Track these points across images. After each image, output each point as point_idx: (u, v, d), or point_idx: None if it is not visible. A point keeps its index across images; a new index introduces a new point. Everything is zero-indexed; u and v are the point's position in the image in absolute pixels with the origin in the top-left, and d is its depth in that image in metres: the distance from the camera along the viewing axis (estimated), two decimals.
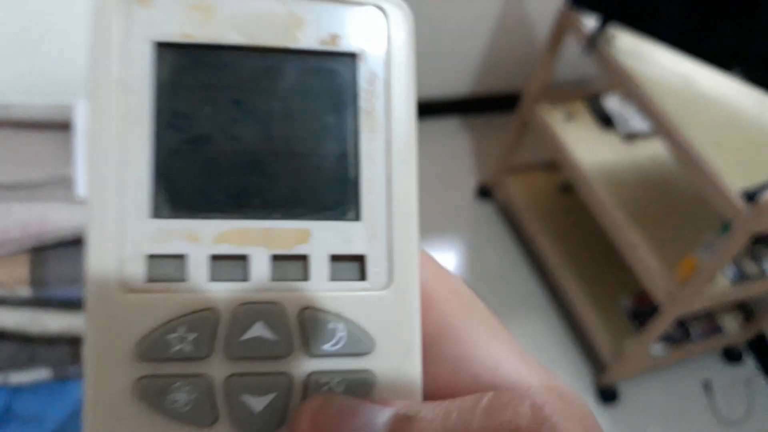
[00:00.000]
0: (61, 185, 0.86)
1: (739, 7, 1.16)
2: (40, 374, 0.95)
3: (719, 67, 1.23)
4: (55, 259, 0.86)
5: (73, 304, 0.90)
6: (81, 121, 0.87)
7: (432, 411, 0.16)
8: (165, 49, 0.18)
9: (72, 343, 0.94)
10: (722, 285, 1.35)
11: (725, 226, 1.15)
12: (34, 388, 0.95)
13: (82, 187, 0.85)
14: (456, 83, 2.06)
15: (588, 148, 1.55)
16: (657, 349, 1.52)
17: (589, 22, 1.35)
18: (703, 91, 1.32)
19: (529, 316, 1.69)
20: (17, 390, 0.95)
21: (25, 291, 0.85)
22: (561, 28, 1.44)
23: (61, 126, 0.88)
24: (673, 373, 1.66)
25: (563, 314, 1.69)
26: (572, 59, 1.71)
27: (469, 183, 1.95)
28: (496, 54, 2.05)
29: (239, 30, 0.18)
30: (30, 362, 0.93)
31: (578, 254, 1.66)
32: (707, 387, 1.66)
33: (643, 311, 1.52)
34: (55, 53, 0.87)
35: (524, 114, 1.64)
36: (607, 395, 1.56)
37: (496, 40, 2.00)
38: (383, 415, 0.17)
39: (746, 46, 1.19)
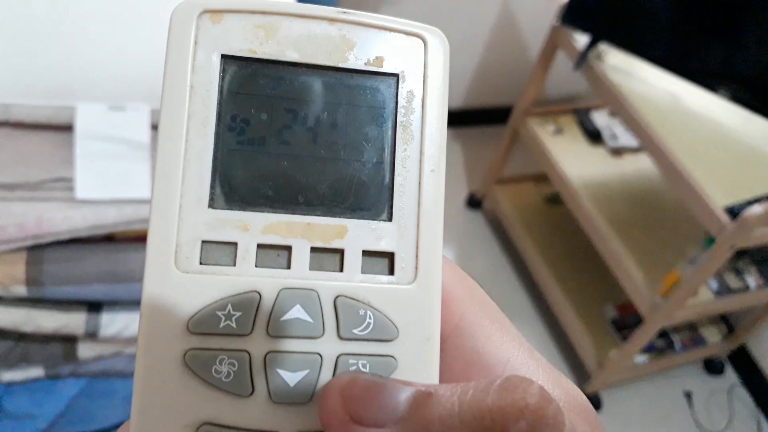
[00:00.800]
0: (60, 186, 0.87)
1: (724, 30, 1.19)
2: (32, 372, 0.95)
3: (705, 87, 1.26)
4: (52, 258, 0.87)
5: (67, 304, 0.91)
6: (81, 124, 0.88)
7: (449, 389, 0.18)
8: (230, 61, 0.21)
9: (65, 342, 0.95)
10: (705, 298, 1.37)
11: (709, 240, 1.17)
12: (26, 385, 0.96)
13: (80, 189, 0.86)
14: (449, 96, 2.09)
15: (576, 161, 1.57)
16: (640, 359, 1.55)
17: (581, 38, 1.38)
18: (691, 108, 1.35)
19: (515, 324, 1.67)
20: (9, 387, 0.95)
21: (20, 290, 0.86)
22: (553, 44, 1.47)
23: (62, 128, 0.89)
24: (656, 383, 1.69)
25: (548, 323, 1.71)
26: (562, 77, 1.74)
27: (459, 193, 1.97)
28: (489, 69, 2.08)
29: (296, 49, 0.21)
30: (23, 360, 0.94)
31: (564, 264, 1.68)
32: (689, 397, 1.68)
33: (627, 322, 1.54)
34: (58, 55, 0.88)
35: (515, 126, 1.66)
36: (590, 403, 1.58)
37: (488, 55, 2.03)
38: (405, 391, 0.18)
39: (731, 67, 1.22)
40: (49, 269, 0.86)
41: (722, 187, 1.17)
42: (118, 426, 0.19)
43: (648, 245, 1.41)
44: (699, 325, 1.67)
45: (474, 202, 1.93)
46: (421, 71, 0.22)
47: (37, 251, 0.86)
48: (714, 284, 1.39)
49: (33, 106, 0.87)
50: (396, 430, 0.18)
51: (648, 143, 1.27)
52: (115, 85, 0.90)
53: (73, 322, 0.91)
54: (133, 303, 0.93)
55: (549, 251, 1.70)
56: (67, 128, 0.89)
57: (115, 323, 0.92)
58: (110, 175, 0.88)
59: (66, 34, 0.89)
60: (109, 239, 0.92)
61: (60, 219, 0.85)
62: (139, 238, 0.92)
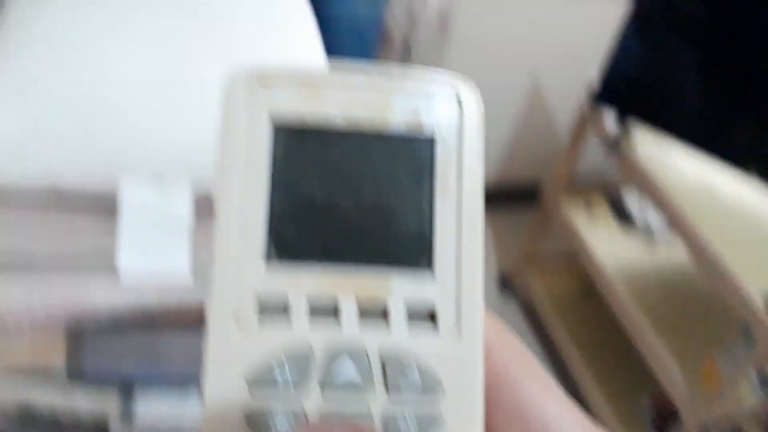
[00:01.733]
0: (103, 258, 0.88)
1: (755, 107, 1.20)
2: None
3: (735, 165, 1.26)
4: (92, 341, 0.88)
5: (106, 386, 0.91)
6: (125, 196, 0.90)
7: None
8: (280, 128, 0.22)
9: (99, 428, 0.94)
10: (745, 392, 1.32)
11: (747, 331, 1.15)
12: None
13: (123, 260, 0.88)
14: None
15: (609, 248, 1.57)
16: None
17: (610, 121, 1.40)
18: (723, 194, 1.35)
19: None
20: None
21: (58, 372, 0.86)
22: (582, 126, 1.49)
23: (106, 200, 0.91)
24: None
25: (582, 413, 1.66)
26: (593, 152, 1.75)
27: (490, 273, 1.96)
28: (518, 147, 2.10)
29: (341, 116, 0.23)
30: None
31: (599, 354, 1.64)
32: None
33: (664, 415, 1.49)
34: (103, 126, 0.89)
35: (546, 210, 1.67)
36: None
37: (517, 134, 2.06)
38: None
39: (762, 144, 1.22)
40: (89, 351, 0.87)
41: (759, 275, 1.15)
42: None
43: (685, 335, 1.38)
44: (742, 422, 1.60)
45: (505, 284, 1.92)
46: (457, 130, 0.23)
47: (77, 332, 0.87)
48: (755, 378, 1.34)
49: (76, 177, 0.89)
50: None
51: (681, 231, 1.26)
52: (159, 159, 0.93)
53: (109, 407, 0.91)
54: (168, 386, 0.92)
55: (582, 338, 1.67)
56: (110, 200, 0.91)
57: (149, 409, 0.92)
58: (152, 248, 0.90)
59: (112, 105, 0.91)
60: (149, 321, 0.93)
61: (102, 296, 0.86)
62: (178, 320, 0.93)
